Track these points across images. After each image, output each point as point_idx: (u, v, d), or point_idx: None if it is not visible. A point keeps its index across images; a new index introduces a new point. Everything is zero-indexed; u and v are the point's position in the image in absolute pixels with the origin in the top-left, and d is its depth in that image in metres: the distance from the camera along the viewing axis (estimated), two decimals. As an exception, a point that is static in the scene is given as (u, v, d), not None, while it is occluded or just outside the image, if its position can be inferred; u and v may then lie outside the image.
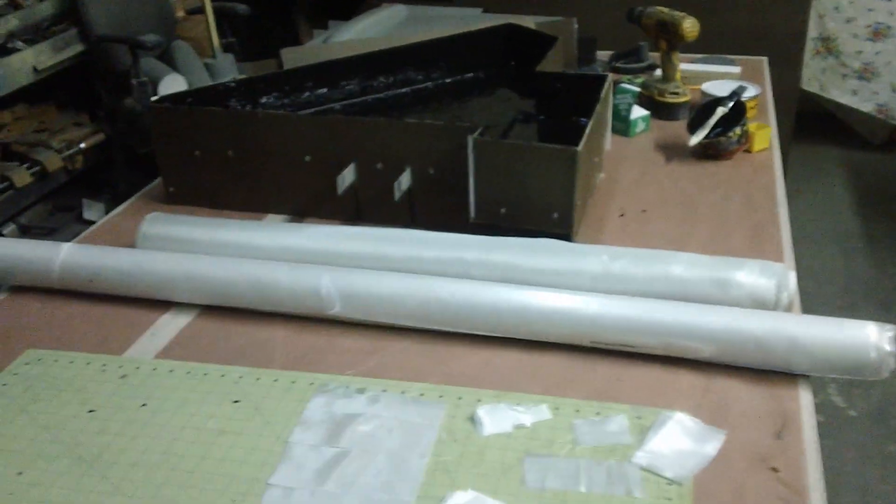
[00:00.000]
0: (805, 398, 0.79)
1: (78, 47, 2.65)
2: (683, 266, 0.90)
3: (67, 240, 1.04)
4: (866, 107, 3.21)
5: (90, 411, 0.81)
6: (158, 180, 1.29)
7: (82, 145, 2.64)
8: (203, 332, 0.94)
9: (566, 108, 1.31)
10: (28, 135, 2.63)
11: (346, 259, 0.98)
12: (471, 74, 1.48)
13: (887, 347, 0.77)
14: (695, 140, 1.31)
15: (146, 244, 1.05)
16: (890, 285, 2.41)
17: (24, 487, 0.72)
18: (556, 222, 1.03)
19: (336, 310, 0.90)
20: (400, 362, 0.86)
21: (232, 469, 0.72)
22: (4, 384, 0.86)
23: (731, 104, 1.30)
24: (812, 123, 3.23)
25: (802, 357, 0.80)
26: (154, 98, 1.22)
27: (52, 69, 2.56)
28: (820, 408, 1.74)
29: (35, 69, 2.49)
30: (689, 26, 1.41)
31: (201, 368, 0.86)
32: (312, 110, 1.38)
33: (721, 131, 1.32)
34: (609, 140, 1.36)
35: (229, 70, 2.80)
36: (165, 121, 1.19)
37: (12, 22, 2.51)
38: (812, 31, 3.05)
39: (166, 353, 0.90)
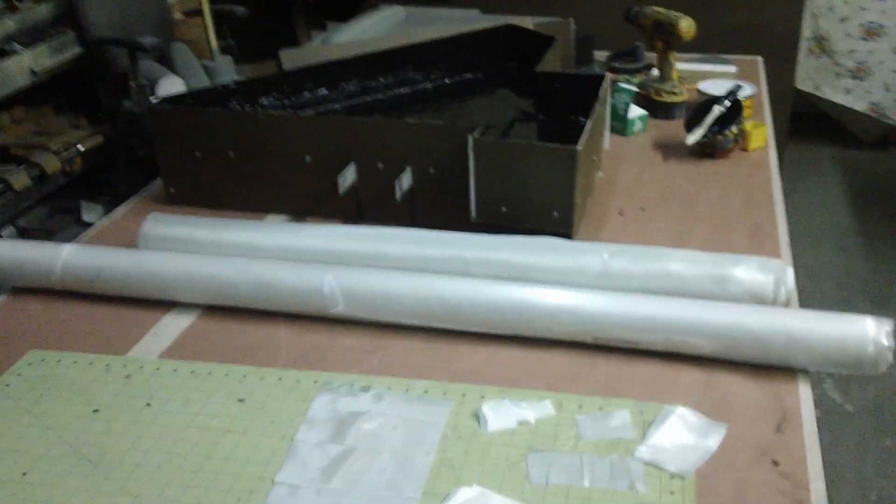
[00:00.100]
0: (804, 392, 0.80)
1: (76, 50, 2.65)
2: (682, 263, 0.91)
3: (66, 242, 1.04)
4: (860, 106, 3.22)
5: (94, 411, 0.81)
6: (158, 181, 1.30)
7: (81, 148, 2.65)
8: (206, 331, 0.94)
9: (565, 108, 1.32)
10: (26, 137, 2.63)
11: (348, 258, 0.98)
12: (470, 75, 1.49)
13: (885, 342, 0.78)
14: (692, 139, 1.31)
15: (147, 245, 1.05)
16: (884, 281, 2.42)
17: (28, 488, 0.72)
18: (557, 221, 1.04)
19: (339, 308, 0.91)
20: (403, 360, 0.87)
21: (237, 468, 0.73)
22: (7, 385, 0.86)
23: (728, 103, 1.31)
24: (806, 122, 3.24)
25: (801, 352, 0.80)
26: (154, 99, 1.22)
27: (50, 72, 2.56)
28: (817, 403, 1.75)
29: (33, 72, 2.49)
30: (686, 26, 1.42)
31: (205, 368, 0.87)
32: (313, 111, 1.38)
33: (718, 130, 1.32)
34: (608, 139, 1.37)
35: (228, 72, 2.80)
36: (166, 122, 1.19)
37: (9, 24, 2.51)
38: (806, 31, 3.06)
39: (170, 353, 0.91)
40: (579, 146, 0.99)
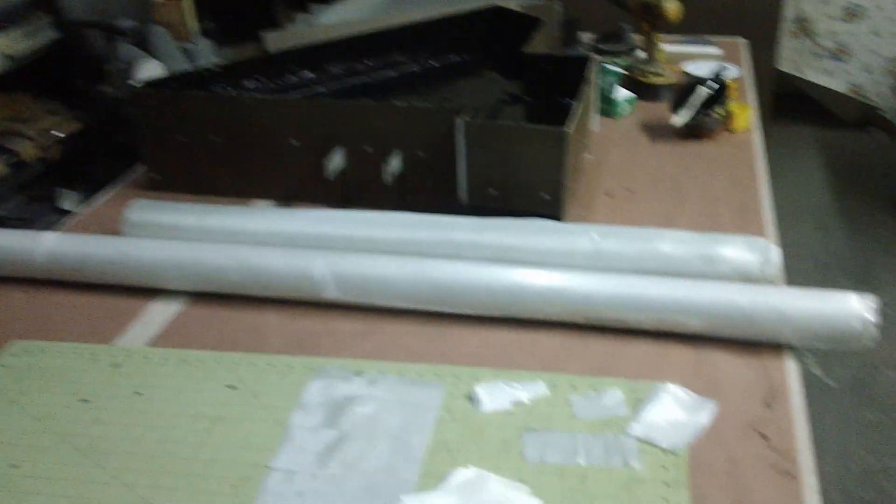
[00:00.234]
0: (791, 368, 0.81)
1: (52, 34, 2.61)
2: (671, 243, 0.91)
3: (46, 230, 1.03)
4: (840, 87, 3.25)
5: (82, 401, 0.81)
6: (140, 168, 1.29)
7: (58, 134, 2.61)
8: (195, 319, 0.94)
9: (552, 90, 1.31)
10: (2, 124, 2.59)
11: (337, 243, 0.98)
12: (456, 56, 1.49)
13: (870, 318, 0.79)
14: (679, 120, 1.32)
15: (132, 232, 1.04)
16: (864, 259, 2.45)
17: (19, 480, 0.71)
18: (547, 203, 1.04)
19: (330, 293, 0.91)
20: (396, 344, 0.87)
21: (231, 454, 0.72)
22: (-7, 375, 0.85)
23: (714, 84, 1.31)
24: (788, 104, 3.26)
25: (788, 328, 0.81)
26: (136, 83, 1.21)
27: (25, 57, 2.52)
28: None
29: (7, 57, 2.45)
30: (673, 8, 1.42)
31: (195, 355, 0.86)
32: (298, 94, 1.37)
33: (704, 111, 1.33)
34: (596, 121, 1.37)
35: (207, 55, 2.77)
36: (149, 106, 1.18)
37: (-18, 9, 2.47)
38: (788, 12, 3.07)
39: (158, 341, 0.90)
40: (569, 128, 0.99)
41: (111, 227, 1.08)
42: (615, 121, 1.45)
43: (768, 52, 2.71)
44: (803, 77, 3.28)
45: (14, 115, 2.65)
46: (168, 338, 0.90)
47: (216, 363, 0.85)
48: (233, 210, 1.05)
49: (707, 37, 1.84)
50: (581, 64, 1.25)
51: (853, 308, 0.79)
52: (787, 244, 0.93)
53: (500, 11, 1.48)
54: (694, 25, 1.86)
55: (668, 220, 1.10)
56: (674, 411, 0.74)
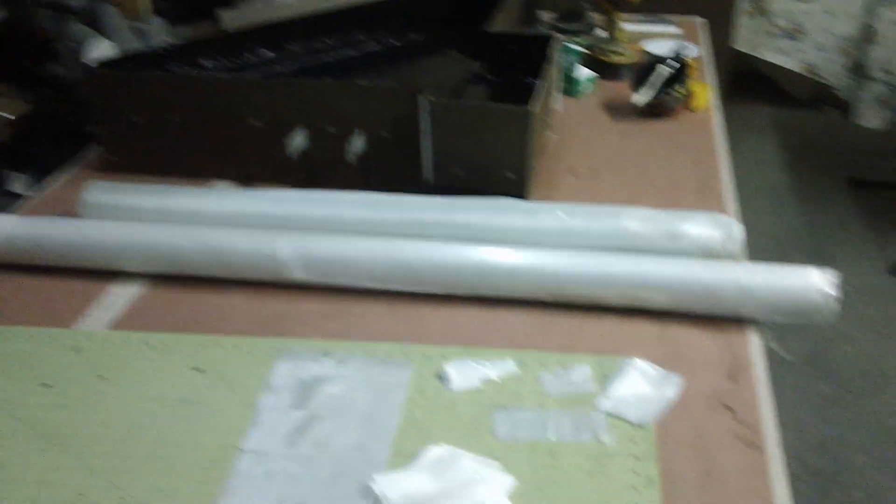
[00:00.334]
0: (754, 342, 0.82)
1: (-2, 13, 2.53)
2: (636, 220, 0.92)
3: (-3, 214, 1.01)
4: (794, 65, 3.29)
5: (44, 386, 0.79)
6: (96, 149, 1.26)
7: (7, 116, 2.54)
8: (157, 301, 0.92)
9: (514, 69, 1.31)
10: (-52, 106, 2.51)
11: (301, 223, 0.97)
12: (418, 35, 1.47)
13: (830, 292, 0.81)
14: (641, 98, 1.33)
15: (90, 214, 1.02)
16: (817, 235, 2.51)
17: (-18, 466, 0.70)
18: (512, 182, 1.04)
19: (296, 274, 0.90)
20: (363, 324, 0.86)
21: (200, 437, 0.72)
22: (-50, 362, 0.83)
23: (675, 63, 1.32)
24: (744, 83, 3.30)
25: (751, 303, 0.83)
26: (91, 63, 1.18)
27: (-29, 37, 2.45)
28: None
29: (-47, 37, 2.38)
30: (636, -11, 1.43)
31: (158, 338, 0.85)
32: (257, 74, 1.35)
33: (665, 90, 1.34)
34: (559, 100, 1.37)
35: (161, 34, 2.72)
36: (104, 87, 1.15)
37: (-75, -13, 2.38)
38: (743, -8, 3.11)
39: (120, 324, 0.89)
40: (534, 107, 0.99)
41: (68, 210, 1.05)
42: (577, 100, 1.45)
43: (724, 32, 2.74)
44: (759, 56, 3.32)
45: (-40, 96, 2.57)
46: (130, 321, 0.89)
47: (180, 345, 0.83)
48: (193, 191, 1.03)
49: (666, 16, 1.85)
50: (543, 43, 1.25)
51: (814, 282, 0.81)
52: (743, 221, 0.94)
53: (461, -10, 1.47)
54: (652, 4, 1.87)
55: (631, 198, 1.11)
56: (641, 386, 0.75)
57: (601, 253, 0.88)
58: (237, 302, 0.91)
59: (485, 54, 1.37)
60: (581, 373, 0.77)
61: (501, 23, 1.39)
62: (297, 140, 1.11)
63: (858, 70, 3.21)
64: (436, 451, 0.68)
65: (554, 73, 1.27)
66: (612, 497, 0.64)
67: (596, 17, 1.69)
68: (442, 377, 0.78)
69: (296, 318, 0.88)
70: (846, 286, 0.85)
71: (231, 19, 1.57)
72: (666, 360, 0.79)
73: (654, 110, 1.37)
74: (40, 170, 2.54)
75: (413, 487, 0.65)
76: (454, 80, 1.30)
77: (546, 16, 1.80)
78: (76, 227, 0.96)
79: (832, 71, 3.23)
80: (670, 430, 0.71)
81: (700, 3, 2.41)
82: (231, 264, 0.91)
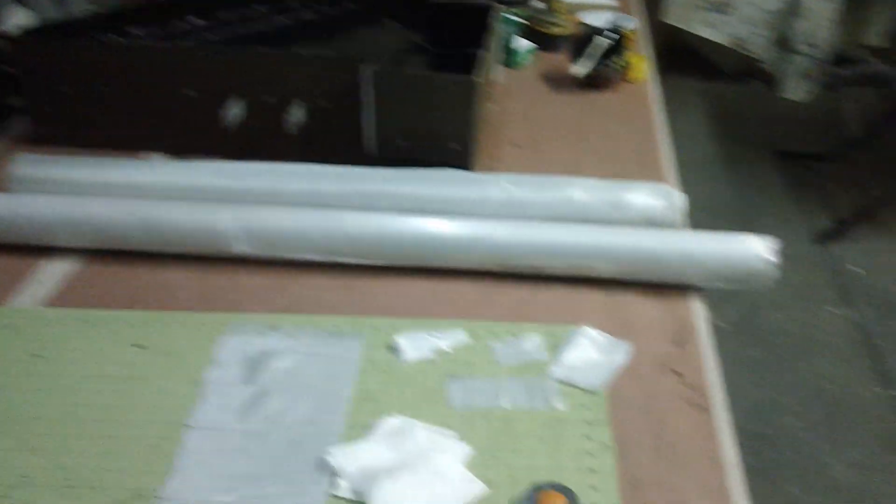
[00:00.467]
0: (698, 308, 0.84)
1: None
2: (581, 190, 0.93)
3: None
4: (722, 39, 3.35)
5: (-24, 366, 0.76)
6: (22, 121, 1.20)
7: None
8: (93, 277, 0.89)
9: (453, 39, 1.30)
10: None
11: (242, 196, 0.94)
12: (354, 4, 1.44)
13: (770, 258, 0.83)
14: (581, 70, 1.33)
15: (20, 188, 0.97)
16: (746, 205, 2.57)
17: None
18: (456, 153, 1.03)
19: (238, 247, 0.88)
20: (311, 297, 0.85)
21: (145, 415, 0.70)
22: None
23: (613, 35, 1.33)
24: (673, 57, 3.35)
25: (694, 270, 0.84)
26: (15, 32, 1.13)
27: None
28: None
29: None
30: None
31: (96, 315, 0.82)
32: (189, 42, 1.31)
33: (603, 62, 1.35)
34: (499, 71, 1.37)
35: (80, 2, 2.61)
36: (30, 56, 1.10)
37: None
38: (673, -35, 3.15)
39: (55, 301, 0.85)
40: (479, 77, 0.99)
41: (-7, 184, 1.01)
42: (516, 71, 1.45)
43: (654, 5, 2.77)
44: (688, 30, 3.37)
45: None
46: (65, 298, 0.86)
47: (120, 322, 0.81)
48: (127, 163, 0.99)
49: (601, -13, 1.85)
50: (482, 13, 1.24)
51: (755, 249, 0.83)
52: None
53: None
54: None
55: (573, 169, 1.11)
56: (591, 353, 0.76)
57: (548, 223, 0.88)
58: (178, 277, 0.89)
59: (423, 24, 1.36)
60: (532, 342, 0.78)
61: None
62: (234, 111, 1.08)
63: (784, 43, 3.29)
64: (391, 423, 0.68)
65: (495, 44, 1.26)
66: (567, 462, 0.65)
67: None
68: (393, 349, 0.77)
69: (240, 292, 0.86)
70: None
71: (160, -14, 1.51)
72: (614, 328, 0.80)
73: (593, 82, 1.37)
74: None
75: (370, 459, 0.64)
76: (392, 51, 1.28)
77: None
78: (4, 201, 0.92)
79: (759, 44, 3.30)
80: (621, 395, 0.72)
81: (632, -23, 2.43)
82: (170, 238, 0.89)
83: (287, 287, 0.87)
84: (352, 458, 0.65)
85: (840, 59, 3.19)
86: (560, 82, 1.40)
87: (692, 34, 3.38)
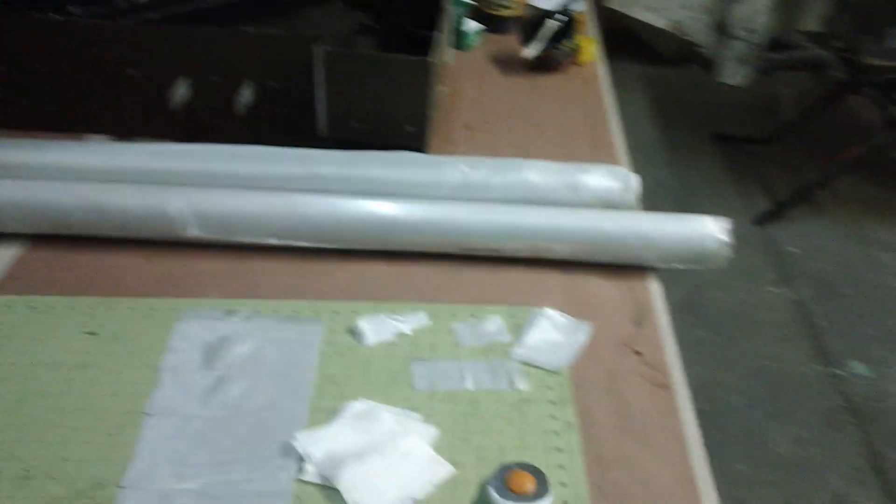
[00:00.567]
0: (655, 289, 0.85)
1: None
2: (538, 172, 0.93)
3: None
4: (661, 23, 3.40)
5: (-84, 357, 0.73)
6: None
7: None
8: (39, 263, 0.86)
9: (402, 20, 1.29)
10: None
11: (193, 179, 0.92)
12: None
13: (724, 238, 0.84)
14: (531, 52, 1.33)
15: (-46, 172, 0.93)
16: (687, 188, 2.62)
17: None
18: (410, 135, 1.02)
19: (191, 232, 0.86)
20: (267, 282, 0.84)
21: (102, 402, 0.68)
22: None
23: (563, 17, 1.33)
24: (614, 41, 3.39)
25: (651, 251, 0.86)
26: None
27: None
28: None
29: None
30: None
31: (45, 301, 0.79)
32: (129, 21, 1.26)
33: (553, 44, 1.35)
34: (450, 53, 1.36)
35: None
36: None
37: None
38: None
39: (-1, 288, 0.82)
40: (434, 58, 0.98)
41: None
42: (465, 53, 1.45)
43: (598, -10, 2.79)
44: (629, 14, 3.41)
45: None
46: (10, 284, 0.83)
47: (70, 309, 0.78)
48: (70, 145, 0.96)
49: (548, -29, 1.85)
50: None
51: (709, 230, 0.84)
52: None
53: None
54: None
55: (526, 152, 1.11)
56: (552, 334, 0.77)
57: (507, 206, 0.88)
58: (128, 262, 0.86)
59: (371, 4, 1.34)
60: (493, 323, 0.78)
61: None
62: (181, 92, 1.05)
63: (721, 28, 3.35)
64: (357, 407, 0.67)
65: (447, 25, 1.25)
66: (534, 441, 0.65)
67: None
68: (354, 332, 0.76)
69: (194, 277, 0.84)
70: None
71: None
72: (574, 309, 0.81)
73: (543, 64, 1.38)
74: None
75: (336, 443, 0.64)
76: (341, 31, 1.26)
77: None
78: (-60, 185, 0.88)
79: (697, 29, 3.36)
80: (584, 374, 0.73)
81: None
82: (120, 223, 0.86)
83: (243, 272, 0.85)
84: (318, 443, 0.64)
85: (776, 44, 3.27)
86: (509, 64, 1.40)
87: (633, 18, 3.42)
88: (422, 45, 1.02)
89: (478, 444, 0.65)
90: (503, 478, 0.60)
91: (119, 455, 0.63)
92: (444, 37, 1.14)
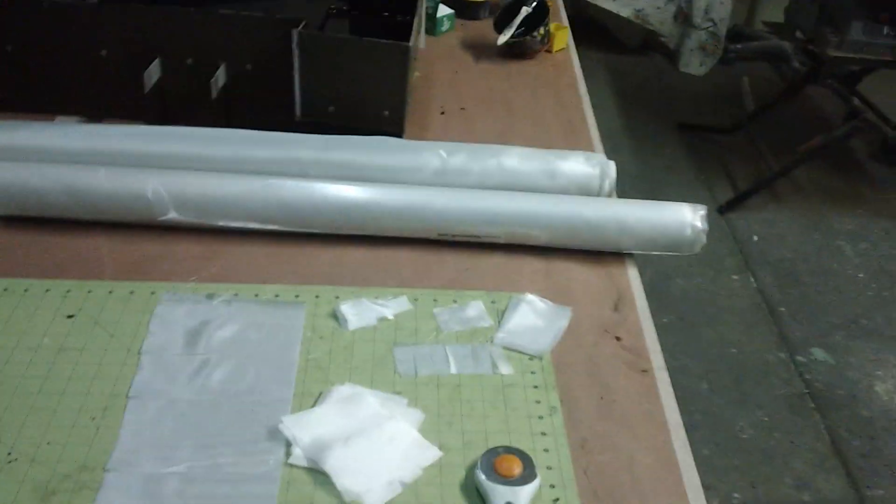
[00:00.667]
0: (633, 275, 0.86)
1: None
2: (516, 158, 0.93)
3: None
4: (625, 12, 3.43)
5: None
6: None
7: None
8: (14, 245, 0.84)
9: (375, 4, 1.28)
10: None
11: (168, 162, 0.91)
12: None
13: (700, 225, 0.86)
14: (504, 39, 1.34)
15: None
16: (651, 177, 2.66)
17: None
18: (387, 120, 1.02)
19: (170, 215, 0.85)
20: (246, 266, 0.83)
21: (83, 386, 0.67)
22: None
23: (538, 4, 1.34)
24: (578, 29, 3.41)
25: (629, 237, 0.87)
26: None
27: None
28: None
29: None
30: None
31: (19, 284, 0.78)
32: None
33: (525, 31, 1.36)
34: (423, 39, 1.36)
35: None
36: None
37: None
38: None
39: (-30, 271, 0.81)
40: (412, 43, 0.98)
41: None
42: (437, 38, 1.45)
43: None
44: (593, 2, 3.43)
45: None
46: (-19, 267, 0.81)
47: (47, 292, 0.77)
48: (41, 126, 0.94)
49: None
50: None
51: (686, 217, 0.86)
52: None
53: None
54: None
55: (501, 138, 1.12)
56: (533, 319, 0.78)
57: (486, 191, 0.89)
58: (104, 245, 0.85)
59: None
60: (475, 308, 0.78)
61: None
62: (155, 73, 1.03)
63: (684, 18, 3.39)
64: (342, 391, 0.68)
65: (421, 10, 1.25)
66: (518, 426, 0.66)
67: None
68: (336, 317, 0.76)
69: (173, 261, 0.83)
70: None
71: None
72: (553, 294, 0.82)
73: (515, 51, 1.38)
74: None
75: (323, 427, 0.64)
76: (313, 14, 1.25)
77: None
78: None
79: (660, 19, 3.40)
80: (565, 359, 0.74)
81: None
82: (96, 206, 0.85)
83: (220, 255, 0.84)
84: (305, 427, 0.64)
85: (738, 35, 3.31)
86: (482, 50, 1.40)
87: (597, 7, 3.45)
88: (394, 29, 1.02)
89: (463, 427, 0.66)
90: (491, 462, 0.61)
91: (104, 439, 0.63)
92: (418, 21, 1.14)
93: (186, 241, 0.86)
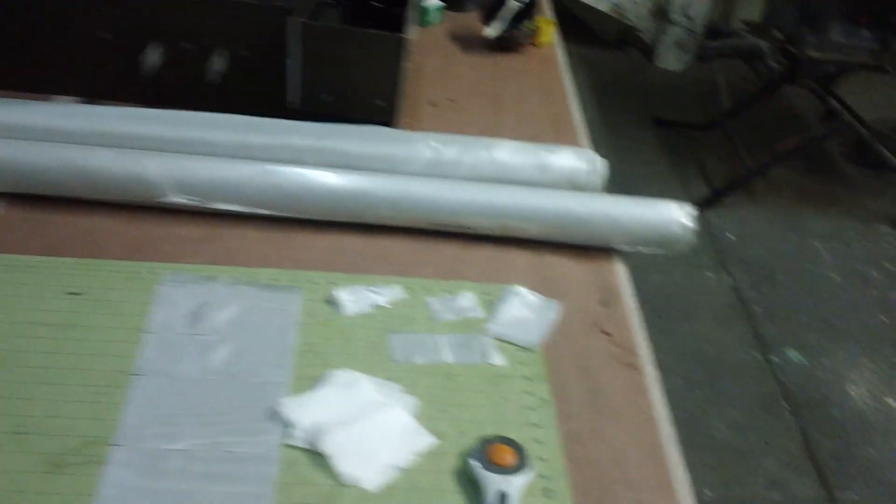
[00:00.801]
0: (622, 271, 0.90)
1: None
2: (508, 152, 0.96)
3: None
4: (603, 6, 3.46)
5: None
6: None
7: None
8: (16, 222, 0.85)
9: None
10: None
11: (166, 145, 0.92)
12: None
13: (689, 224, 0.89)
14: (493, 32, 1.36)
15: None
16: (627, 172, 2.70)
17: None
18: (381, 110, 1.04)
19: (172, 197, 0.86)
20: (244, 249, 0.85)
21: (89, 362, 0.69)
22: None
23: (525, -1, 1.36)
24: (556, 22, 3.43)
25: (618, 233, 0.90)
26: None
27: None
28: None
29: None
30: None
31: (24, 261, 0.79)
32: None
33: (513, 25, 1.38)
34: (413, 30, 1.37)
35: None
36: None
37: None
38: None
39: (-27, 247, 0.81)
40: (407, 34, 1.00)
41: None
42: (425, 29, 1.46)
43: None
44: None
45: None
46: (-16, 244, 0.82)
47: (51, 269, 0.78)
48: (39, 106, 0.94)
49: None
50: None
51: (675, 215, 0.89)
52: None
53: None
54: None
55: (491, 131, 1.14)
56: (524, 311, 0.80)
57: (478, 183, 0.91)
58: (106, 225, 0.86)
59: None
60: (467, 299, 0.81)
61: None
62: (152, 56, 1.04)
63: (661, 13, 3.43)
64: (339, 375, 0.70)
65: (414, 1, 1.27)
66: (511, 415, 0.69)
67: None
68: (333, 302, 0.78)
69: (173, 242, 0.85)
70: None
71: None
72: (543, 288, 0.84)
73: (503, 44, 1.40)
74: None
75: (321, 410, 0.66)
76: (310, 3, 1.26)
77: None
78: None
79: (637, 13, 3.43)
80: (555, 352, 0.76)
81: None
82: (99, 185, 0.86)
83: (218, 238, 0.86)
84: (304, 411, 0.66)
85: (714, 32, 3.36)
86: (470, 42, 1.42)
87: (575, 1, 3.47)
88: (384, 20, 1.04)
89: (456, 416, 0.68)
90: (485, 451, 0.63)
91: (108, 414, 0.64)
92: (411, 12, 1.16)
93: (186, 223, 0.87)
